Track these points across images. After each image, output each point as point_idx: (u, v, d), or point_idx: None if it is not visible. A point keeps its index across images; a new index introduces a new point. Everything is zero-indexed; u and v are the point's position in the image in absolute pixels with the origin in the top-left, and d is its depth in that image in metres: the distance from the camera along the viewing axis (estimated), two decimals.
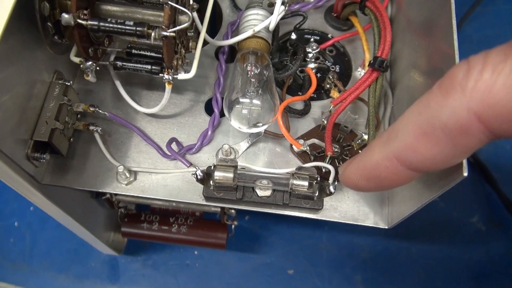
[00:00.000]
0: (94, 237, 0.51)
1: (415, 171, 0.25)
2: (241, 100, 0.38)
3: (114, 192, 0.39)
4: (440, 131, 0.22)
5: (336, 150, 0.40)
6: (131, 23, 0.32)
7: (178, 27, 0.32)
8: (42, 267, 0.65)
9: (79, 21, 0.31)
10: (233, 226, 0.55)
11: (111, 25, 0.32)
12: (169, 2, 0.31)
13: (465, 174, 0.27)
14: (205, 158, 0.41)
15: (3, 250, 0.66)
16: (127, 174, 0.38)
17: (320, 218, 0.39)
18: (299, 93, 0.44)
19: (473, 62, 0.21)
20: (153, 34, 0.31)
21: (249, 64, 0.39)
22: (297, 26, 0.45)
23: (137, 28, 0.32)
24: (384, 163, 0.25)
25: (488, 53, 0.21)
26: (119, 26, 0.32)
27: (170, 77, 0.36)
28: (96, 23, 0.32)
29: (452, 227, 0.63)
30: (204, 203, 0.39)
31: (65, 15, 0.31)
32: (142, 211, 0.55)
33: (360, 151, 0.40)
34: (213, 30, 0.50)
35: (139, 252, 0.64)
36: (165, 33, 0.31)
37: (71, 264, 0.65)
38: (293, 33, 0.45)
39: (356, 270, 0.61)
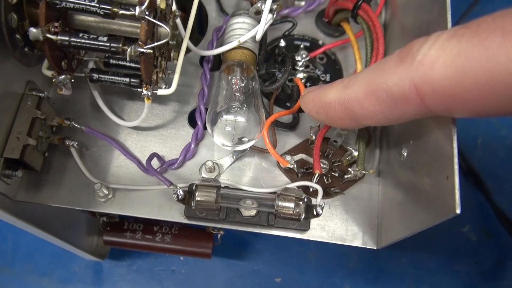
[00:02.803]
0: (75, 248, 0.50)
1: (356, 122, 0.28)
2: (225, 116, 0.36)
3: (92, 210, 0.37)
4: (385, 94, 0.24)
5: (324, 167, 0.38)
6: (105, 38, 0.29)
7: (156, 43, 0.30)
8: (25, 271, 0.63)
9: (49, 35, 0.29)
10: (219, 235, 0.53)
11: (82, 40, 0.29)
12: (146, 17, 0.29)
13: (458, 211, 0.25)
14: (188, 173, 0.39)
15: None
16: (105, 191, 0.37)
17: (307, 238, 0.38)
18: (288, 104, 0.42)
19: (430, 37, 0.22)
20: (128, 50, 0.29)
21: (234, 77, 0.37)
22: (286, 33, 0.43)
23: (111, 45, 0.29)
24: (334, 105, 0.28)
25: (445, 30, 0.22)
26: (92, 42, 0.29)
27: (149, 93, 0.33)
28: (66, 38, 0.29)
29: (443, 237, 0.62)
30: (186, 221, 0.37)
31: (33, 30, 0.29)
32: (125, 219, 0.53)
33: (349, 169, 0.38)
34: (200, 29, 0.48)
35: (124, 257, 0.62)
36: (142, 50, 0.29)
37: (55, 268, 0.63)
38: (282, 40, 0.43)
39: (345, 279, 0.60)
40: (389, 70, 0.24)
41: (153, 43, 0.30)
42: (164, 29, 0.31)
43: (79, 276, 0.62)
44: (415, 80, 0.22)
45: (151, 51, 0.30)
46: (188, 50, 0.39)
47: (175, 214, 0.37)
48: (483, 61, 0.19)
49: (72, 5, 0.28)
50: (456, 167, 0.26)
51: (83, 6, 0.28)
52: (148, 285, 0.61)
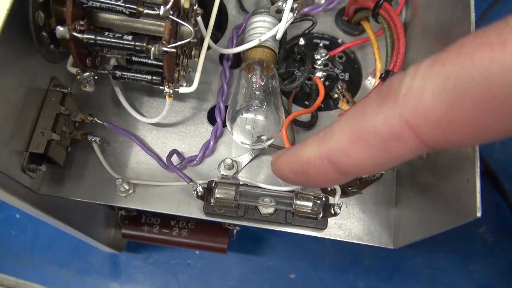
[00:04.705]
0: (93, 240, 0.51)
1: (343, 174, 0.25)
2: (244, 114, 0.36)
3: (113, 205, 0.38)
4: (373, 137, 0.22)
5: None
6: (130, 37, 0.30)
7: (179, 42, 0.30)
8: (44, 261, 0.65)
9: (75, 34, 0.29)
10: (234, 231, 0.54)
11: (108, 39, 0.30)
12: (170, 16, 0.29)
13: (479, 214, 0.25)
14: (207, 170, 0.39)
15: (4, 242, 0.66)
16: (126, 187, 0.37)
17: (324, 236, 0.38)
18: (306, 102, 0.42)
19: (408, 70, 0.21)
20: (152, 49, 0.30)
21: (254, 76, 0.37)
22: (306, 31, 0.43)
23: (136, 43, 0.30)
24: (315, 161, 0.25)
25: (423, 60, 0.21)
26: (117, 40, 0.30)
27: (171, 91, 0.34)
28: (92, 37, 0.30)
29: (459, 237, 0.62)
30: (205, 218, 0.38)
31: (60, 28, 0.29)
32: (143, 213, 0.54)
33: None
34: (219, 27, 0.48)
35: (140, 249, 0.63)
36: (165, 49, 0.30)
37: (73, 259, 0.64)
38: (301, 39, 0.43)
39: (359, 277, 0.60)
40: (372, 111, 0.22)
41: (176, 42, 0.31)
42: (187, 28, 0.31)
43: (97, 268, 0.63)
44: (405, 115, 0.20)
45: (175, 50, 0.30)
46: (208, 47, 0.39)
47: (194, 210, 0.38)
48: (477, 79, 0.18)
49: (98, 4, 0.29)
50: (477, 170, 0.26)
51: (109, 5, 0.29)
52: (163, 278, 0.62)
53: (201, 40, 0.38)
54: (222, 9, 0.47)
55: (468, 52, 0.19)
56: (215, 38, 0.48)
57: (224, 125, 0.39)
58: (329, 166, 0.24)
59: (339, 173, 0.24)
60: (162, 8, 0.29)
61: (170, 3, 0.29)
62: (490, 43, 0.18)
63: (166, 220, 0.53)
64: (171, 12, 0.29)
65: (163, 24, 0.31)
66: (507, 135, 0.20)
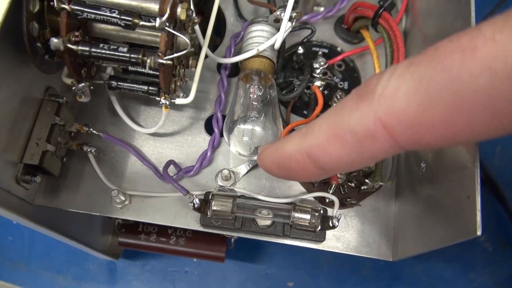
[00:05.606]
0: (89, 248, 0.50)
1: (323, 170, 0.25)
2: (242, 125, 0.36)
3: (109, 216, 0.38)
4: (349, 135, 0.22)
5: (341, 177, 0.38)
6: (125, 49, 0.29)
7: (175, 54, 0.30)
8: (41, 267, 0.64)
9: (70, 46, 0.29)
10: (232, 239, 0.53)
11: (103, 51, 0.29)
12: (166, 28, 0.29)
13: (479, 233, 0.25)
14: (204, 181, 0.39)
15: (1, 248, 0.65)
16: (122, 198, 0.37)
17: (322, 248, 0.37)
18: (305, 112, 0.42)
19: (386, 70, 0.21)
20: (148, 61, 0.29)
21: (252, 86, 0.37)
22: (305, 40, 0.43)
23: (131, 56, 0.29)
24: (296, 156, 0.26)
25: (401, 62, 0.22)
26: (112, 52, 0.29)
27: (167, 102, 0.33)
28: (87, 49, 0.29)
29: (458, 246, 0.61)
30: (202, 229, 0.37)
31: (54, 40, 0.29)
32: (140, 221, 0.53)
33: (366, 180, 0.38)
34: (217, 30, 0.48)
35: (138, 256, 0.63)
36: (161, 61, 0.29)
37: (70, 265, 0.64)
38: (300, 47, 0.42)
39: (357, 286, 0.60)
40: (349, 109, 0.22)
41: (173, 53, 0.30)
42: (184, 39, 0.31)
43: (94, 275, 0.63)
44: (380, 114, 0.21)
45: (171, 62, 0.29)
46: (205, 55, 0.39)
47: (191, 222, 0.38)
48: (447, 83, 0.19)
49: (93, 16, 0.28)
50: (478, 187, 0.26)
51: (104, 17, 0.28)
52: (161, 285, 0.62)
53: (199, 47, 0.38)
54: (220, 16, 0.47)
55: (440, 56, 0.19)
56: (214, 43, 0.48)
57: (222, 135, 0.38)
58: (308, 161, 0.25)
59: (319, 168, 0.25)
60: (158, 20, 0.29)
61: (166, 15, 0.28)
62: (461, 48, 0.18)
63: (163, 229, 0.53)
64: (167, 24, 0.29)
65: (160, 34, 0.31)
66: (477, 139, 0.21)
